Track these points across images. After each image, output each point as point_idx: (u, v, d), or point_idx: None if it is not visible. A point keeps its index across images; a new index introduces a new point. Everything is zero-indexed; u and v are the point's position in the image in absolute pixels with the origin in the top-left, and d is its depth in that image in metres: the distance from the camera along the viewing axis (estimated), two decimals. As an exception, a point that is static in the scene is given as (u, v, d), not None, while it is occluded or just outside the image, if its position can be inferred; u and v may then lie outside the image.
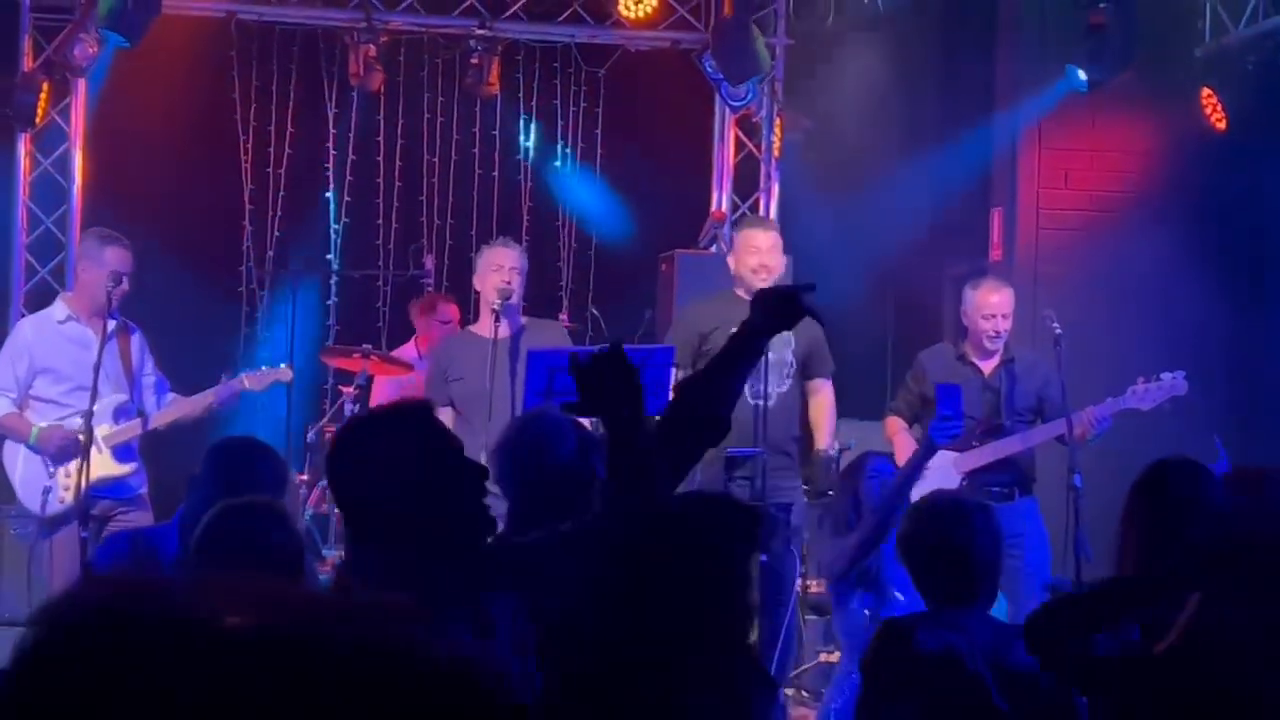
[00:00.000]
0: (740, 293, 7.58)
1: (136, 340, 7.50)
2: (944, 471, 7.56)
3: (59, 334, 7.34)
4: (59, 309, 7.50)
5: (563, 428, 4.40)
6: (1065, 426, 7.42)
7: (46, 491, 7.16)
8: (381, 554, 3.21)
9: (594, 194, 11.05)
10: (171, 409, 7.43)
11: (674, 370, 7.12)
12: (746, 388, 7.41)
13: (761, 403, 7.38)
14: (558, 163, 11.11)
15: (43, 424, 7.23)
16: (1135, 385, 7.60)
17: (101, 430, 7.18)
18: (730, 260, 7.80)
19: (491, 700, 0.99)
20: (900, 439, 7.86)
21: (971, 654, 4.09)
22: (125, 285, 7.29)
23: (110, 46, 9.42)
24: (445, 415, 7.30)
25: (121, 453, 7.32)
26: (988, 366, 7.85)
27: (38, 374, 7.30)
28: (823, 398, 7.81)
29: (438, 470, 3.25)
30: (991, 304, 7.81)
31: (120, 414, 7.33)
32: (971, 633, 4.18)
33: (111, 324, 7.22)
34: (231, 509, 4.13)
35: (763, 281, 7.39)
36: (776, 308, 3.72)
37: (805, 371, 7.71)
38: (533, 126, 11.06)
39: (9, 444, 7.41)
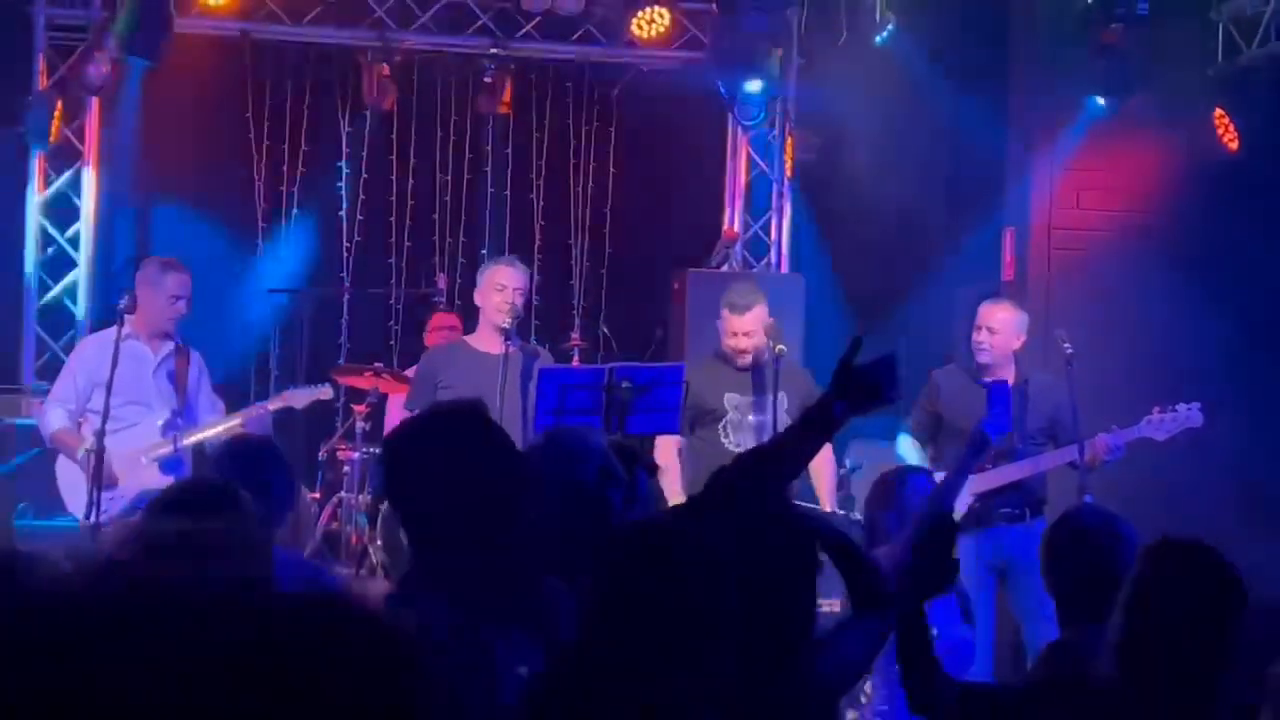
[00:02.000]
0: (732, 359, 7.63)
1: (195, 362, 7.78)
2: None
3: (122, 350, 7.47)
4: (129, 326, 7.65)
5: (590, 451, 4.26)
6: (1077, 452, 7.40)
7: (92, 504, 7.36)
8: (444, 559, 3.16)
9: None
10: (200, 431, 7.60)
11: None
12: (743, 449, 7.44)
13: None
14: (569, 181, 11.13)
15: (92, 445, 7.37)
16: (1151, 415, 7.57)
17: (149, 444, 7.48)
18: (720, 328, 7.75)
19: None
20: (911, 457, 7.84)
21: None
22: (185, 310, 7.65)
23: (136, 70, 9.50)
24: None
25: (168, 465, 7.56)
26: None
27: (95, 387, 7.49)
28: (821, 453, 7.70)
29: (495, 470, 3.20)
30: (981, 315, 7.82)
31: (169, 429, 7.56)
32: None
33: (169, 345, 7.63)
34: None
35: (742, 354, 7.46)
36: (860, 386, 3.49)
37: None
38: (545, 145, 11.06)
39: (63, 456, 7.61)
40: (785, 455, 3.59)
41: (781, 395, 7.54)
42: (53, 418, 7.61)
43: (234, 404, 7.94)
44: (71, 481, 7.55)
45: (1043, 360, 8.29)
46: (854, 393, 3.46)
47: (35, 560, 1.02)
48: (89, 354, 7.73)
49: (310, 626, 1.00)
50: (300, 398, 7.96)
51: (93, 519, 7.13)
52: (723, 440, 7.58)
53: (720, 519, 3.21)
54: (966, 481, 7.47)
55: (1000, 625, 7.78)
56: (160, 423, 7.54)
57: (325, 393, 8.11)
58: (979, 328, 7.81)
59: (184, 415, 7.63)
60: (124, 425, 7.39)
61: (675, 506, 3.57)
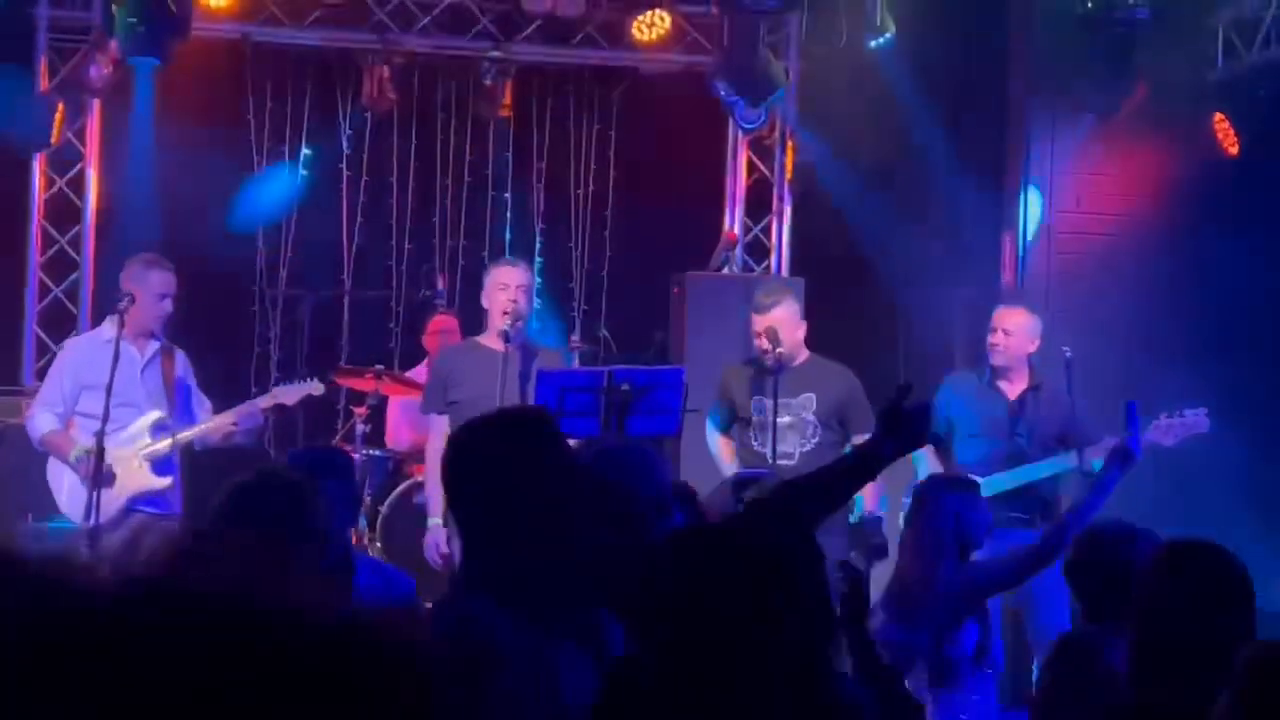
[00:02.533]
0: (766, 360, 7.62)
1: (180, 361, 7.72)
2: None
3: (105, 352, 7.45)
4: (107, 328, 7.63)
5: (648, 463, 4.21)
6: (1076, 459, 7.40)
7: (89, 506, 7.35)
8: (495, 563, 3.12)
9: None
10: (192, 429, 7.58)
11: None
12: (766, 450, 7.48)
13: (786, 463, 7.37)
14: (570, 184, 11.14)
15: (84, 446, 7.37)
16: (1159, 420, 7.57)
17: (140, 445, 7.44)
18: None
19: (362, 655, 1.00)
20: (926, 465, 7.82)
21: None
22: (169, 309, 7.57)
23: (138, 72, 9.50)
24: (442, 424, 7.35)
25: (160, 466, 7.53)
26: (1013, 392, 7.81)
27: (83, 390, 7.48)
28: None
29: (555, 479, 3.17)
30: (996, 317, 7.82)
31: (159, 430, 7.52)
32: None
33: (155, 345, 7.56)
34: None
35: (764, 353, 7.48)
36: (907, 428, 3.66)
37: (846, 428, 7.63)
38: (546, 148, 11.07)
39: (53, 458, 7.57)
40: (828, 490, 3.68)
41: (810, 396, 7.57)
42: (41, 421, 7.56)
43: (233, 405, 7.90)
44: (63, 484, 7.52)
45: (1042, 362, 8.29)
46: (901, 434, 3.64)
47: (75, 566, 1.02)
48: (75, 356, 7.69)
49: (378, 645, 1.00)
50: (291, 394, 7.87)
51: (92, 521, 7.13)
52: (753, 443, 7.62)
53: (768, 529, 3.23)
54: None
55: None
56: (150, 423, 7.50)
57: (317, 388, 8.02)
58: (994, 329, 7.80)
59: (173, 415, 7.57)
60: (114, 427, 7.33)
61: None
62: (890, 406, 3.70)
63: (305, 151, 10.77)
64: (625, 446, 4.45)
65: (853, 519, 7.31)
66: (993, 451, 7.65)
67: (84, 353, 7.64)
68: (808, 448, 7.55)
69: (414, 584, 5.01)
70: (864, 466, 3.69)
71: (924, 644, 5.58)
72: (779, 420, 7.53)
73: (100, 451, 7.08)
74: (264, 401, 7.81)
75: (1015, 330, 7.77)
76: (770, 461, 7.40)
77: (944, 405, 7.83)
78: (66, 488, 7.52)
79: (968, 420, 7.72)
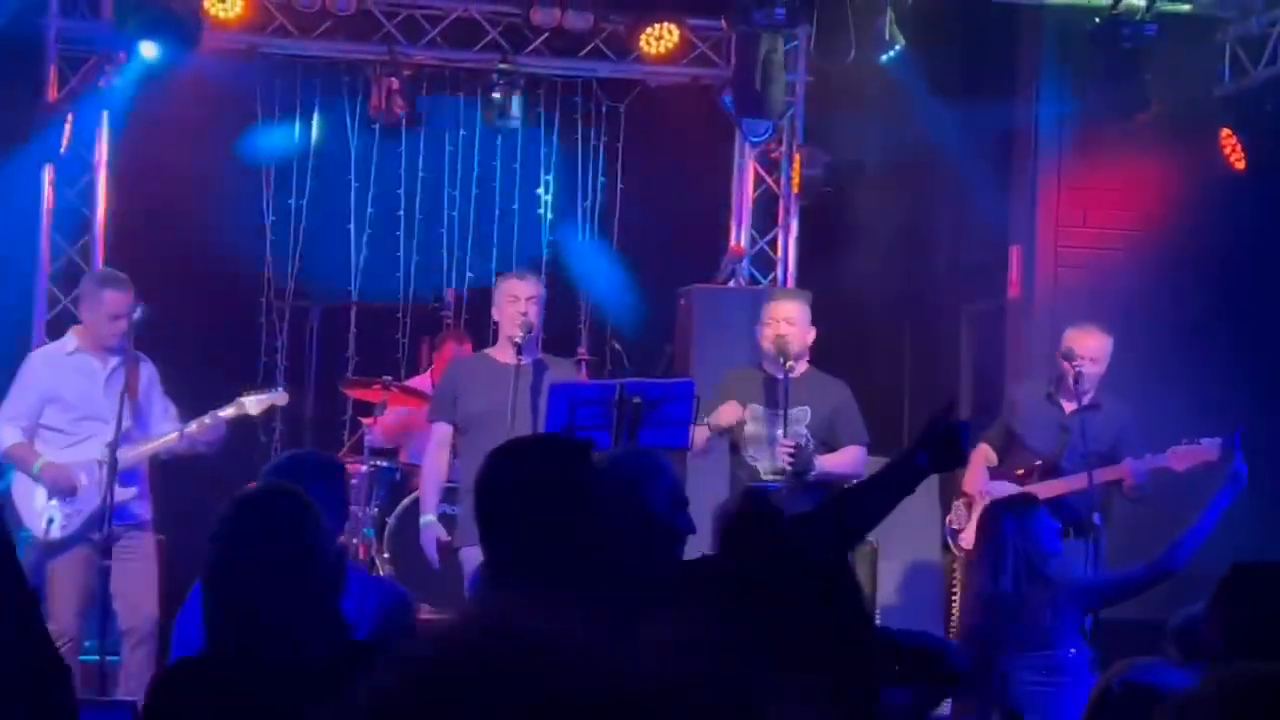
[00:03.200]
0: (767, 365, 7.61)
1: (145, 372, 7.63)
2: None
3: (67, 365, 7.48)
4: (69, 341, 7.66)
5: (662, 472, 4.21)
6: (1085, 480, 7.45)
7: (50, 520, 7.34)
8: (516, 585, 3.14)
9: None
10: (154, 442, 7.51)
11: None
12: (758, 465, 7.47)
13: (775, 477, 7.38)
14: (577, 196, 11.17)
15: (48, 459, 7.36)
16: (1177, 446, 7.64)
17: (100, 458, 7.32)
18: (758, 333, 7.75)
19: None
20: (976, 463, 7.88)
21: None
22: (123, 324, 7.44)
23: (147, 82, 9.50)
24: (444, 432, 7.36)
25: (123, 477, 7.42)
26: (1071, 407, 7.85)
27: (47, 403, 7.47)
28: (845, 452, 7.70)
29: (583, 505, 3.19)
30: (1070, 346, 7.84)
31: (121, 442, 7.39)
32: None
33: (114, 359, 7.46)
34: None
35: (782, 349, 7.44)
36: (946, 446, 3.66)
37: (833, 440, 7.62)
38: (554, 160, 11.10)
39: (19, 472, 7.55)
40: (865, 505, 3.68)
41: (805, 409, 7.55)
42: (5, 434, 7.47)
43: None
44: (27, 497, 7.45)
45: (1047, 378, 8.31)
46: (939, 450, 3.62)
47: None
48: (39, 369, 7.62)
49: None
50: (256, 404, 7.74)
51: (105, 530, 7.11)
52: (744, 454, 7.58)
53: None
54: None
55: None
56: (119, 434, 7.37)
57: (281, 398, 7.93)
58: (1081, 358, 7.80)
59: (137, 426, 7.49)
60: (78, 439, 7.34)
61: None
62: (931, 422, 3.69)
63: (313, 162, 10.79)
64: (620, 456, 4.44)
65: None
66: (1033, 462, 7.76)
67: (45, 366, 7.58)
68: (780, 457, 7.48)
69: (405, 593, 5.00)
70: (902, 480, 3.66)
71: (1011, 662, 5.67)
72: (775, 432, 7.51)
73: (113, 463, 7.07)
74: (225, 411, 7.65)
75: (1100, 357, 7.81)
76: (761, 475, 7.38)
77: (1011, 413, 7.98)
78: (27, 500, 7.45)
79: (1027, 432, 7.84)
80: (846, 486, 3.99)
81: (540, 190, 11.12)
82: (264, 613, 3.26)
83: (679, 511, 4.09)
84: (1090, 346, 7.83)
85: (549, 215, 11.12)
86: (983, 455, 7.96)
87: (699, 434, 7.40)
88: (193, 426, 7.53)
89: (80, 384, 7.42)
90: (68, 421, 7.39)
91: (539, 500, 3.16)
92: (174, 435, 7.51)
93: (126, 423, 7.38)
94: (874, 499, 3.67)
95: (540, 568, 3.12)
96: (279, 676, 3.16)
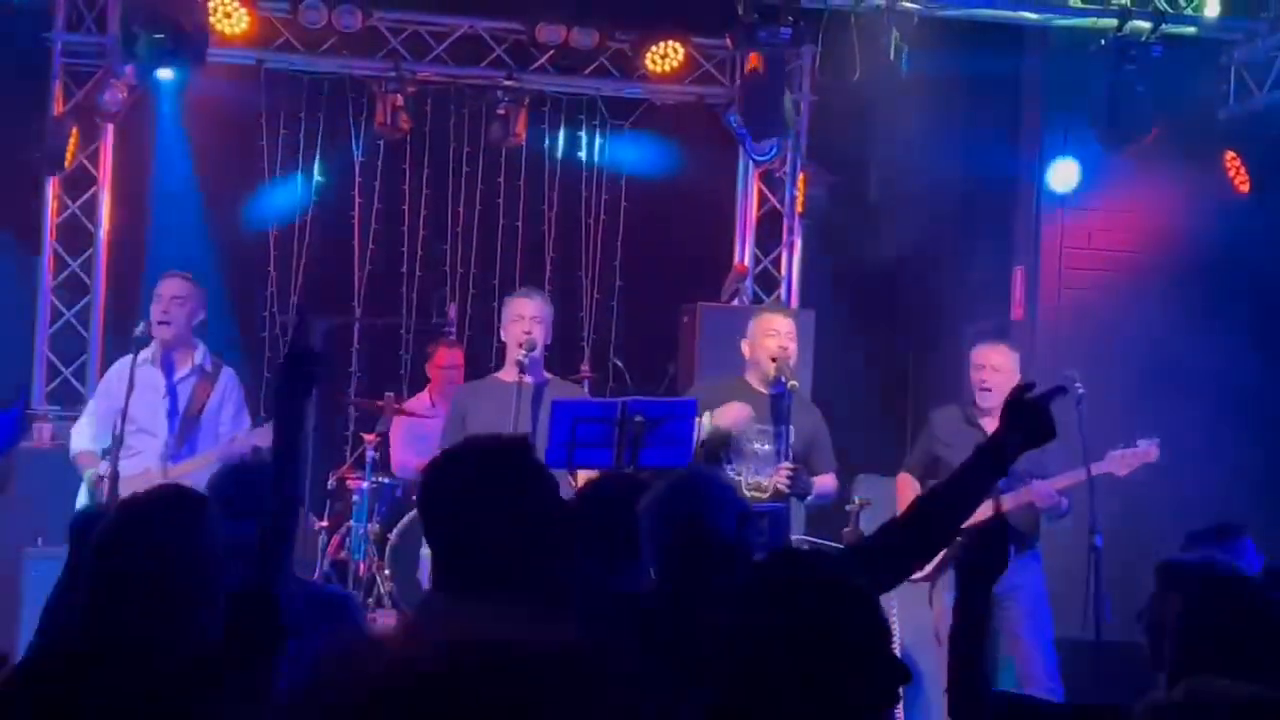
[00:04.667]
0: (751, 379, 7.56)
1: (221, 383, 7.66)
2: None
3: (137, 378, 7.41)
4: (148, 350, 7.58)
5: (726, 495, 4.17)
6: (992, 507, 7.40)
7: None
8: (467, 599, 3.05)
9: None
10: (182, 464, 7.50)
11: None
12: (742, 479, 7.42)
13: (756, 494, 7.35)
14: (581, 213, 11.17)
15: (98, 471, 7.36)
16: (1113, 452, 7.66)
17: (147, 470, 7.33)
18: (745, 346, 7.63)
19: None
20: (904, 493, 7.85)
21: None
22: (171, 314, 7.49)
23: (152, 97, 9.51)
24: None
25: None
26: (991, 426, 7.78)
27: (115, 414, 7.43)
28: (824, 478, 7.65)
29: (532, 509, 3.11)
30: (978, 359, 7.85)
31: (172, 457, 7.47)
32: None
33: (183, 371, 7.56)
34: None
35: (783, 365, 7.38)
36: (1033, 421, 3.57)
37: (810, 467, 7.55)
38: (558, 177, 11.11)
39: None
40: (957, 499, 3.58)
41: (790, 428, 7.50)
42: (77, 438, 7.63)
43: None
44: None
45: (959, 403, 8.24)
46: (1026, 428, 3.55)
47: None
48: (110, 380, 7.68)
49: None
50: (268, 435, 7.68)
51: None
52: (728, 468, 7.52)
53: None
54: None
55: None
56: (160, 451, 7.46)
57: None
58: (980, 367, 7.82)
59: (185, 442, 7.51)
60: (134, 452, 7.34)
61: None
62: (1016, 400, 3.60)
63: (318, 178, 10.80)
64: (683, 480, 4.27)
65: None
66: None
67: (119, 376, 7.56)
68: (777, 480, 7.42)
69: (345, 595, 4.95)
70: (991, 463, 3.58)
71: None
72: (756, 447, 7.46)
73: (115, 476, 7.05)
74: (243, 441, 7.61)
75: (1003, 366, 7.79)
76: (742, 490, 7.33)
77: (929, 439, 7.91)
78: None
79: (952, 457, 7.76)
80: (920, 496, 3.87)
81: (544, 207, 11.11)
82: (119, 621, 3.26)
83: (745, 530, 4.04)
84: (992, 357, 7.83)
85: (552, 232, 11.11)
86: (909, 485, 7.91)
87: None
88: (212, 454, 7.49)
89: (144, 397, 7.41)
90: (127, 434, 7.38)
91: (471, 505, 3.10)
92: (212, 456, 7.37)
93: (169, 438, 7.44)
94: (962, 497, 3.56)
95: (475, 574, 3.06)
96: (121, 680, 3.17)
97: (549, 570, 3.09)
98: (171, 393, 7.53)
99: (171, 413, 7.51)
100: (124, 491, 7.22)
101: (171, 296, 7.56)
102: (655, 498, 4.08)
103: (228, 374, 7.73)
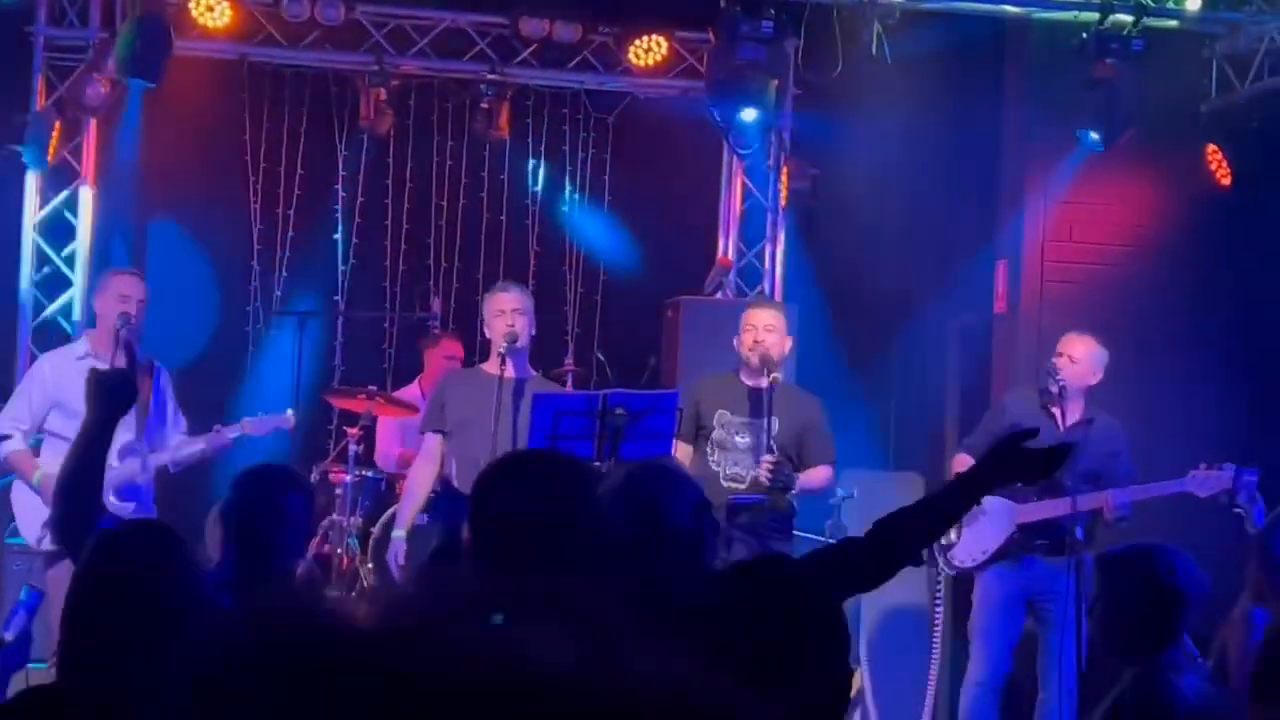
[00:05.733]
0: (743, 374, 7.59)
1: (160, 380, 7.61)
2: (999, 521, 7.59)
3: (76, 370, 7.37)
4: (80, 345, 7.60)
5: (683, 483, 4.19)
6: (1069, 506, 7.41)
7: (45, 527, 7.23)
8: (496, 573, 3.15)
9: (603, 231, 11.09)
10: (164, 455, 7.48)
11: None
12: (721, 470, 7.44)
13: (735, 485, 7.36)
14: (565, 208, 11.17)
15: (46, 470, 7.27)
16: (1196, 470, 7.62)
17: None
18: (736, 342, 7.71)
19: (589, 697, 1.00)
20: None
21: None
22: (134, 314, 7.41)
23: (135, 90, 9.49)
24: (432, 444, 7.36)
25: (125, 492, 7.36)
26: (1066, 420, 7.79)
27: (52, 408, 7.39)
28: (816, 471, 7.65)
29: (574, 515, 3.29)
30: (1062, 343, 7.87)
31: (126, 453, 7.39)
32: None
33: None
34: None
35: (763, 356, 7.41)
36: (1024, 467, 3.66)
37: (802, 459, 7.57)
38: (541, 171, 11.11)
39: (17, 480, 7.50)
40: (928, 523, 3.68)
41: (774, 420, 7.51)
42: (6, 440, 7.42)
43: (225, 425, 7.86)
44: (25, 505, 7.43)
45: (1037, 388, 8.29)
46: (1015, 471, 3.70)
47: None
48: (45, 372, 7.57)
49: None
50: (260, 426, 7.72)
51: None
52: (709, 458, 7.54)
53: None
54: (1005, 510, 7.55)
55: (1020, 654, 7.84)
56: (117, 447, 7.20)
57: (287, 421, 7.86)
58: (1059, 354, 7.80)
59: (143, 438, 7.45)
60: None
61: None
62: (1010, 445, 3.63)
63: (300, 172, 10.79)
64: (637, 471, 4.38)
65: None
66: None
67: (53, 371, 7.51)
68: (759, 473, 7.42)
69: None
70: (967, 495, 3.66)
71: None
72: (737, 439, 7.49)
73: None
74: (232, 431, 7.64)
75: (1081, 358, 7.79)
76: (721, 481, 7.35)
77: (995, 423, 7.83)
78: (25, 509, 7.44)
79: None
80: (887, 515, 3.89)
81: (527, 201, 11.11)
82: (100, 648, 3.29)
83: (701, 519, 4.07)
84: (1075, 348, 7.83)
85: (536, 226, 11.11)
86: (964, 463, 7.93)
87: (680, 449, 7.42)
88: (200, 443, 7.49)
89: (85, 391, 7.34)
90: (72, 429, 7.27)
91: (536, 514, 3.21)
92: (200, 445, 7.44)
93: (128, 434, 7.32)
94: (933, 523, 3.66)
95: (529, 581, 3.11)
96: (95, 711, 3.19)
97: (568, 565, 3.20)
98: None
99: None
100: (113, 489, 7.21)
101: (139, 300, 7.49)
102: (611, 486, 4.10)
103: (161, 370, 7.67)
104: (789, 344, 7.77)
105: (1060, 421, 7.71)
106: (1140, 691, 3.77)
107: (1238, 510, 7.32)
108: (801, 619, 2.70)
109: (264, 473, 4.95)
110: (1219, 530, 7.43)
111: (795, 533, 7.76)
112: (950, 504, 3.69)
